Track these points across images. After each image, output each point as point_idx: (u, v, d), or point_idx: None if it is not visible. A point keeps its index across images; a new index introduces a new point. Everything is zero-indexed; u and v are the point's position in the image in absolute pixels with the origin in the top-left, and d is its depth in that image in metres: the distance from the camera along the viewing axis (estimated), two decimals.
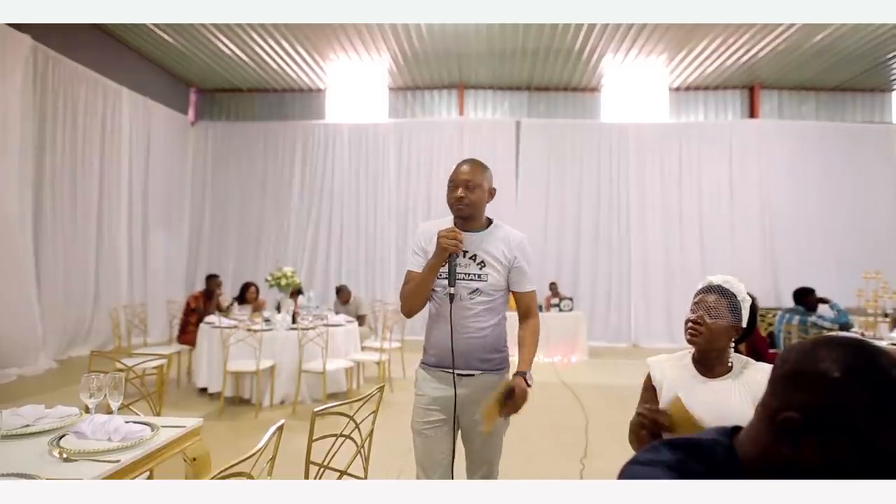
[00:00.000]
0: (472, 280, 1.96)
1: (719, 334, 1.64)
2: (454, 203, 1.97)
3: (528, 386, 1.87)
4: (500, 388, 1.84)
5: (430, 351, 2.04)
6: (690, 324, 1.66)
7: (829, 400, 0.72)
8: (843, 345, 0.76)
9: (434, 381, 2.00)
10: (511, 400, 1.83)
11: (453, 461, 1.98)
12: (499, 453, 2.05)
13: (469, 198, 1.94)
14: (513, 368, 2.01)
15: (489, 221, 2.07)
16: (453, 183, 1.97)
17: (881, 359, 0.73)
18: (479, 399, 1.93)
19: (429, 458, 1.97)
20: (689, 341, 1.68)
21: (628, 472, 0.81)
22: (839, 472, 0.71)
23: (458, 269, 1.95)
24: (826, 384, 0.73)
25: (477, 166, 2.00)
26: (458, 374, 1.95)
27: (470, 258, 1.97)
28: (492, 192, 2.04)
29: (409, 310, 2.03)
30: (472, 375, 1.97)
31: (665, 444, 0.83)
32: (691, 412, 1.51)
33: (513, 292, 2.04)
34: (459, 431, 2.03)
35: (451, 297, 1.92)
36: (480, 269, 1.96)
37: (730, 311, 1.65)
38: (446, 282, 1.92)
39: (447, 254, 1.89)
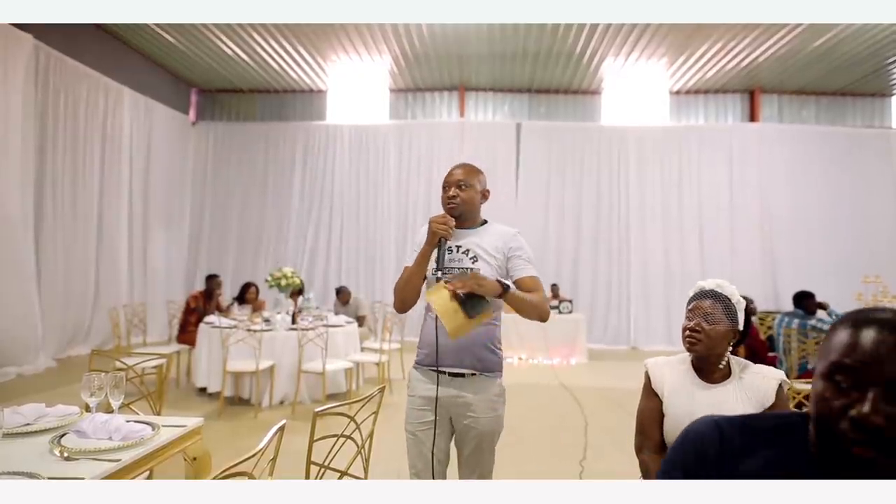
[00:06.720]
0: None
1: (718, 339, 1.64)
2: (446, 202, 2.03)
3: (504, 288, 1.83)
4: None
5: (421, 348, 2.04)
6: (688, 332, 1.66)
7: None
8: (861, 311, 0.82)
9: (426, 381, 1.99)
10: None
11: (432, 462, 1.95)
12: (490, 461, 2.01)
13: (461, 196, 2.01)
14: (507, 373, 2.00)
15: (484, 222, 2.12)
16: (446, 184, 2.05)
17: (873, 310, 0.78)
18: (471, 403, 1.93)
19: (421, 459, 1.97)
20: (689, 349, 1.67)
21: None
22: None
23: (452, 264, 1.98)
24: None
25: (470, 168, 2.08)
26: (449, 374, 1.95)
27: (463, 252, 2.00)
28: (485, 194, 2.11)
29: (401, 301, 2.04)
30: (464, 376, 1.95)
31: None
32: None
33: (514, 281, 1.97)
34: (454, 436, 2.02)
35: (439, 281, 1.91)
36: (473, 262, 1.98)
37: (726, 315, 1.65)
38: (435, 265, 1.93)
39: (437, 238, 1.93)
